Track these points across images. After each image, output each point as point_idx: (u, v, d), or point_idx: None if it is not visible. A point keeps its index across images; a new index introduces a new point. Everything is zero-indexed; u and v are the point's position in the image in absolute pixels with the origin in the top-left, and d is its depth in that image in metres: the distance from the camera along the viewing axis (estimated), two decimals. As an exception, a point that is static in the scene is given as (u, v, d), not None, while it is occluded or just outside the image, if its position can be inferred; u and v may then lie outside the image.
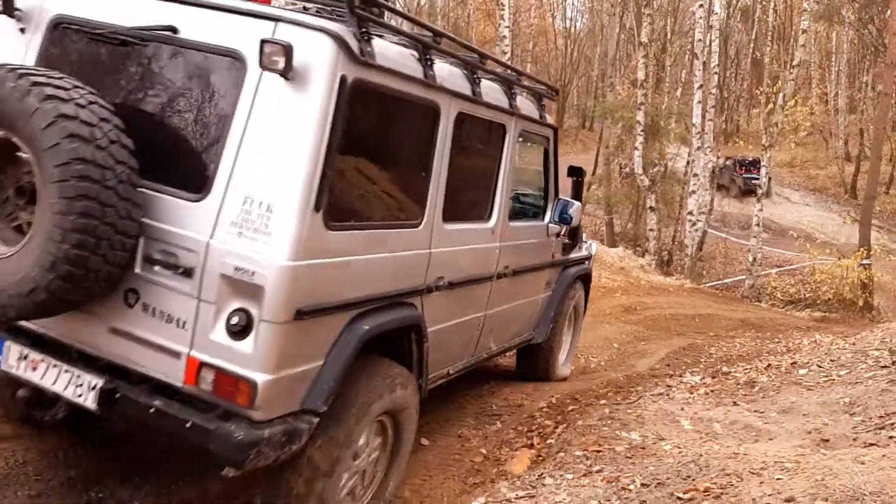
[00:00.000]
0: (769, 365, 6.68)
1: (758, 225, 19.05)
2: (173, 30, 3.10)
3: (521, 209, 5.30)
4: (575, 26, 45.55)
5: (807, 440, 3.79)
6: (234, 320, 2.86)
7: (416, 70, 3.50)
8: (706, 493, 2.99)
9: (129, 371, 3.05)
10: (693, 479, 3.18)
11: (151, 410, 2.95)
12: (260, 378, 2.83)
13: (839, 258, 19.71)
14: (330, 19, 3.05)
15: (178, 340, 2.94)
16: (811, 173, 35.73)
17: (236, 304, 2.88)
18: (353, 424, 3.25)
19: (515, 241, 4.96)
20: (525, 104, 5.00)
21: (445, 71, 3.85)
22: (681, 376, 6.71)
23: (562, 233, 5.77)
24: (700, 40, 18.71)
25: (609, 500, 3.14)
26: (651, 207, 19.61)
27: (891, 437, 3.53)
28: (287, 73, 2.85)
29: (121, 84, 3.18)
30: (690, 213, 18.98)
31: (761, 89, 21.14)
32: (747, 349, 9.31)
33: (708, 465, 3.32)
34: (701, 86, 18.42)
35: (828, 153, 36.72)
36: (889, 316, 15.88)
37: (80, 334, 3.14)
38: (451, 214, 3.98)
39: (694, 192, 18.94)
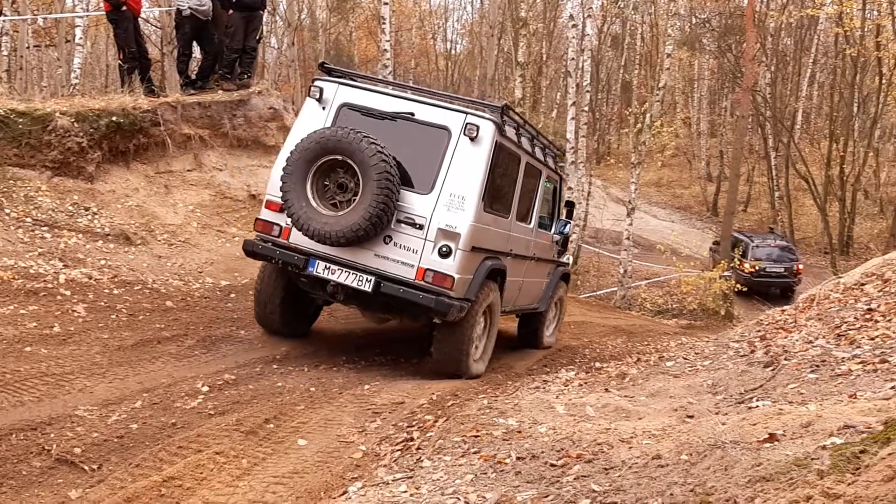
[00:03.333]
0: (639, 359, 6.96)
1: (628, 239, 19.87)
2: (412, 114, 6.32)
3: (541, 222, 8.26)
4: (455, 48, 46.43)
5: (674, 416, 3.93)
6: (444, 249, 6.06)
7: (515, 139, 6.86)
8: (578, 458, 3.05)
9: (381, 275, 6.15)
10: (566, 450, 3.23)
11: (401, 290, 6.08)
12: (456, 275, 6.07)
13: (702, 271, 20.86)
14: (492, 114, 6.32)
15: (412, 259, 6.13)
16: (676, 192, 37.69)
17: (444, 242, 6.07)
18: (478, 308, 6.47)
19: (539, 239, 8.16)
20: (549, 161, 8.26)
21: (524, 139, 7.18)
22: (556, 373, 6.88)
23: (559, 242, 8.94)
24: (573, 59, 19.41)
25: (485, 473, 3.14)
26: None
27: (749, 408, 3.72)
28: (474, 138, 6.15)
29: (382, 139, 6.09)
30: (566, 225, 19.52)
31: (630, 110, 22.18)
32: (619, 350, 9.66)
33: (581, 439, 3.38)
34: (574, 103, 19.09)
35: (691, 174, 38.88)
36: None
37: (357, 258, 6.22)
38: (518, 215, 7.25)
39: (569, 206, 19.52)
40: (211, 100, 10.72)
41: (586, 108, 22.78)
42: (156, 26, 22.52)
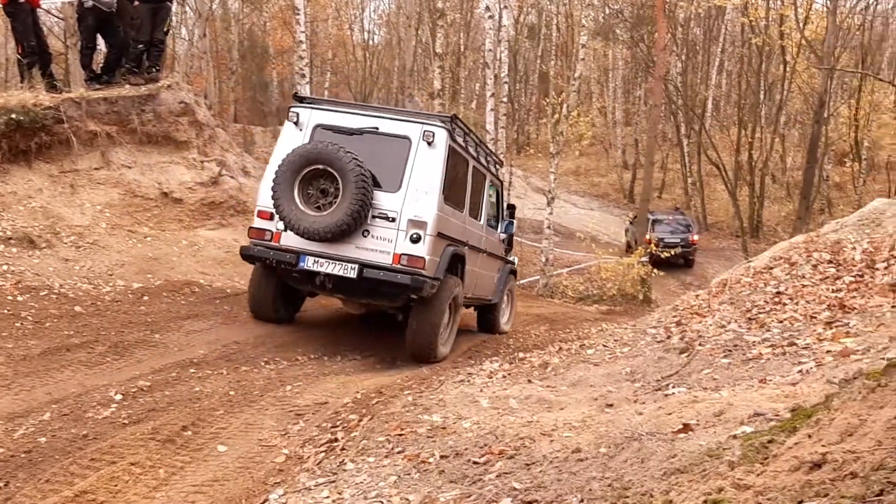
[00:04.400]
0: (560, 348, 7.05)
1: (549, 227, 20.14)
2: (377, 128, 7.34)
3: (489, 222, 9.34)
4: (373, 39, 46.10)
5: (594, 406, 3.99)
6: (414, 236, 7.06)
7: (463, 144, 7.95)
8: (500, 455, 3.05)
9: (363, 263, 7.11)
10: (489, 446, 3.23)
11: (381, 274, 7.05)
12: (427, 257, 7.06)
13: (621, 256, 21.32)
14: (443, 123, 7.38)
15: (388, 247, 7.13)
16: (594, 180, 38.41)
17: (414, 230, 7.07)
18: (446, 298, 7.50)
19: (489, 236, 9.31)
20: (492, 166, 9.46)
21: (471, 146, 8.33)
22: (481, 364, 6.91)
23: (504, 241, 10.13)
24: (490, 51, 19.50)
25: (409, 474, 3.12)
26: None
27: (666, 395, 3.80)
28: (431, 143, 7.19)
29: (353, 150, 7.09)
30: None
31: (548, 100, 22.43)
32: (542, 339, 9.78)
33: (504, 434, 3.39)
34: (493, 94, 19.18)
35: (608, 162, 39.71)
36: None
37: (340, 251, 7.17)
38: (469, 211, 8.33)
39: (490, 196, 19.65)
40: (117, 95, 10.31)
41: (505, 99, 22.97)
42: (58, 17, 21.54)
